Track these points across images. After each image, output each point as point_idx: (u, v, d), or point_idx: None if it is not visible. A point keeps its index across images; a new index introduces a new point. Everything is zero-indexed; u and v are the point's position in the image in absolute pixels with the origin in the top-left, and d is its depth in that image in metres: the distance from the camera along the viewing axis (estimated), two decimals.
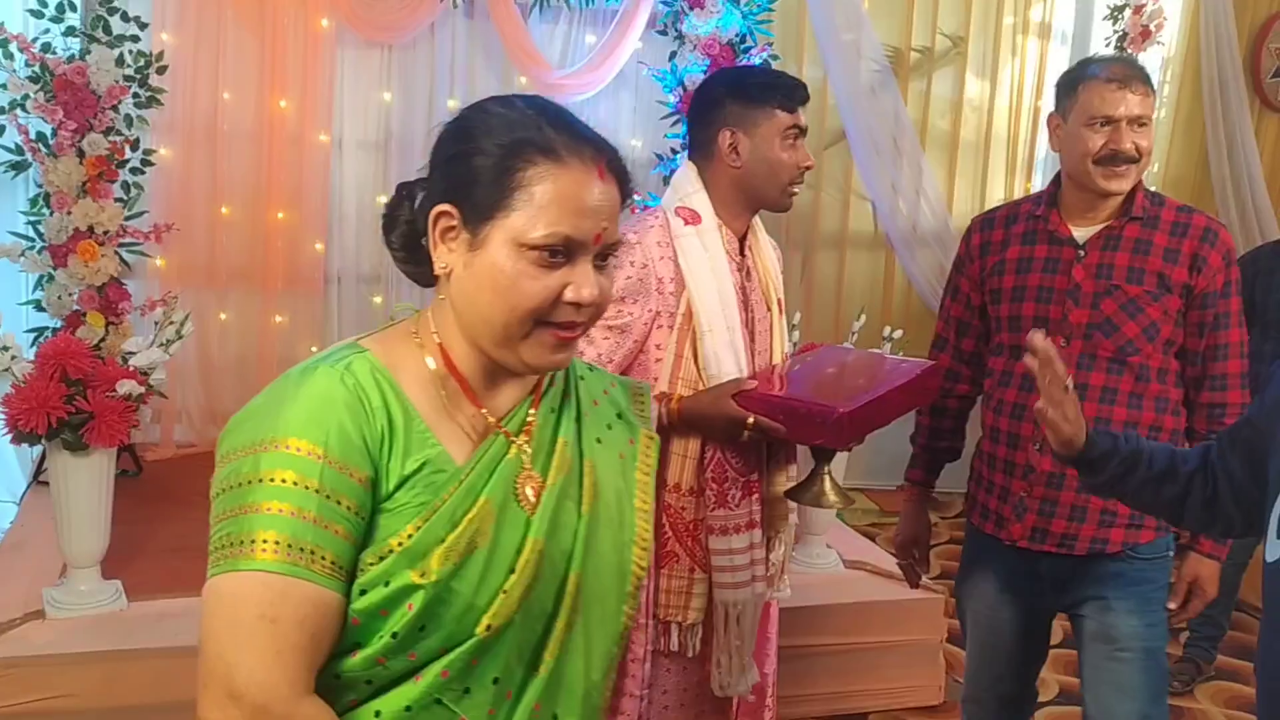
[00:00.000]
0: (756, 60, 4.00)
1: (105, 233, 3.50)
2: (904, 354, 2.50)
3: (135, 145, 3.61)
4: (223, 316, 4.27)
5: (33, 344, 3.40)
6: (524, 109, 0.98)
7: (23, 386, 2.46)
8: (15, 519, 3.38)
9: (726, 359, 1.79)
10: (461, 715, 0.97)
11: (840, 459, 1.94)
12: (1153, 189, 1.96)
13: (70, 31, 3.49)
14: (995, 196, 4.97)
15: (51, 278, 3.51)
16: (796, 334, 3.18)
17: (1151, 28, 4.42)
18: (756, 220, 1.93)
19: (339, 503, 0.91)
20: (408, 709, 0.95)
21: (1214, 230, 1.88)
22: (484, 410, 1.02)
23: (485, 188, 0.95)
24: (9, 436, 2.49)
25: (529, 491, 1.01)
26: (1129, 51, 4.36)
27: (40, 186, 3.54)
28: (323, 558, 0.90)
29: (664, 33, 4.22)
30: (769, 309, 1.93)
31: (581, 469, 1.06)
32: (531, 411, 1.05)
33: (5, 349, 2.50)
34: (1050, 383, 1.46)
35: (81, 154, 3.43)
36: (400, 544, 0.93)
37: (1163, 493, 1.50)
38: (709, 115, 1.85)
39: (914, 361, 1.90)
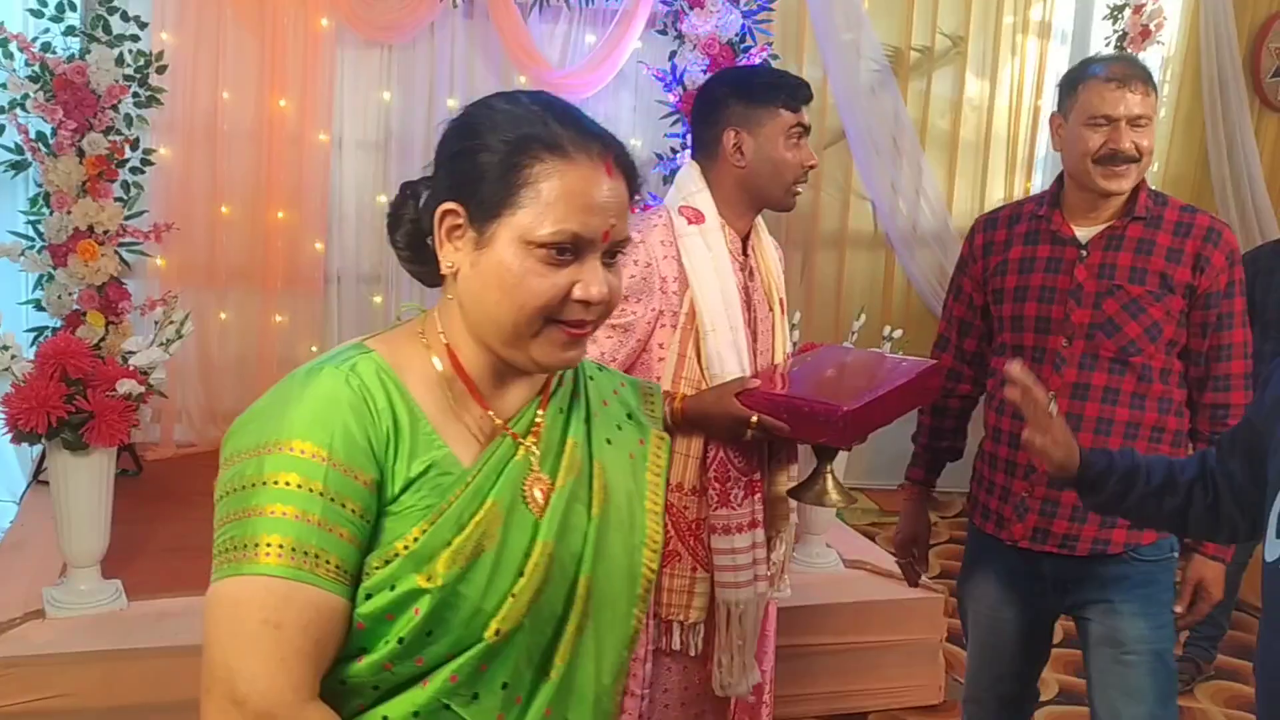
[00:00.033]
0: (756, 60, 4.00)
1: (105, 232, 3.50)
2: (904, 353, 2.50)
3: (135, 145, 3.61)
4: (223, 316, 4.27)
5: (33, 343, 3.40)
6: (529, 105, 0.97)
7: (23, 386, 2.46)
8: (15, 518, 3.38)
9: (729, 358, 1.79)
10: None
11: (840, 458, 1.95)
12: (1153, 189, 1.96)
13: (70, 31, 3.49)
14: (995, 196, 4.97)
15: (51, 277, 3.51)
16: (796, 334, 3.18)
17: (1151, 27, 4.43)
18: (759, 220, 1.94)
19: (344, 505, 0.90)
20: (415, 714, 0.94)
21: (1218, 230, 1.87)
22: (491, 412, 1.00)
23: (491, 185, 0.94)
24: (9, 436, 2.49)
25: (537, 493, 1.00)
26: (1129, 51, 4.36)
27: (40, 186, 3.54)
28: (327, 562, 0.88)
29: (664, 32, 4.22)
30: (771, 309, 1.94)
31: (591, 470, 1.05)
32: (539, 412, 1.04)
33: (5, 348, 2.50)
34: (1034, 410, 1.46)
35: (81, 153, 3.43)
36: (406, 547, 0.91)
37: (1164, 505, 1.49)
38: (713, 115, 1.85)
39: (915, 361, 1.90)
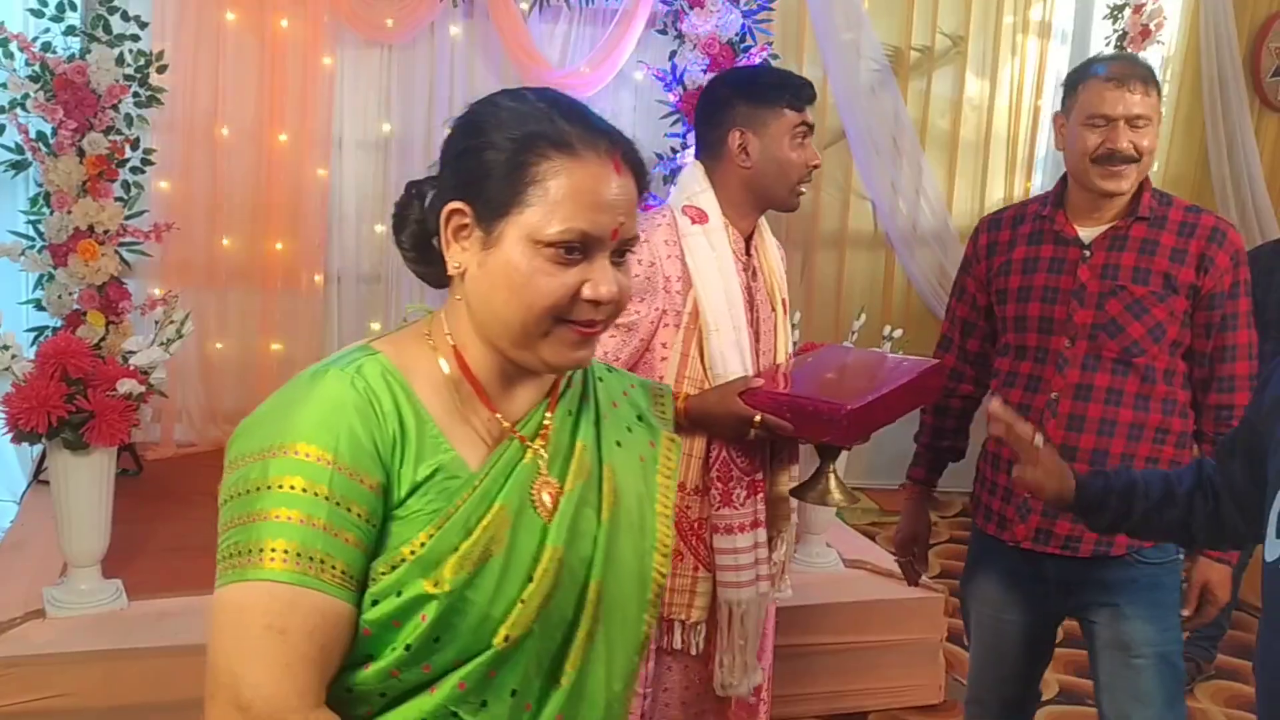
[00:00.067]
0: (756, 60, 4.00)
1: (105, 232, 3.50)
2: (904, 353, 2.50)
3: (135, 144, 3.61)
4: (223, 316, 4.27)
5: (33, 343, 3.40)
6: (535, 102, 0.95)
7: (23, 386, 2.46)
8: (15, 518, 3.38)
9: (732, 358, 1.80)
10: None
11: (841, 458, 1.95)
12: (1158, 189, 1.95)
13: (70, 31, 3.49)
14: (995, 196, 4.98)
15: (52, 277, 3.51)
16: (796, 333, 3.18)
17: (1151, 27, 4.43)
18: (762, 220, 1.94)
19: (349, 510, 0.88)
20: None
21: (1222, 230, 1.86)
22: (498, 414, 0.99)
23: (498, 183, 0.92)
24: (9, 436, 2.49)
25: (545, 498, 0.98)
26: (1129, 50, 4.36)
27: (40, 186, 3.54)
28: (333, 567, 0.87)
29: (664, 32, 4.23)
30: (774, 309, 1.94)
31: (601, 474, 1.03)
32: (547, 415, 1.02)
33: (5, 348, 2.50)
34: (1020, 445, 1.46)
35: (82, 153, 3.43)
36: (413, 552, 0.90)
37: (1166, 519, 1.49)
38: (717, 116, 1.85)
39: (917, 360, 1.90)
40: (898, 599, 3.02)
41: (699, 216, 1.83)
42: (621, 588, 1.02)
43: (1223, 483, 1.44)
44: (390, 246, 4.38)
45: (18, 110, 3.40)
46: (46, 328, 3.56)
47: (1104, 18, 4.61)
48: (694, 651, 1.86)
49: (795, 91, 1.84)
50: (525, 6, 4.28)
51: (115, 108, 3.49)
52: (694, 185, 1.86)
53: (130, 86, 3.52)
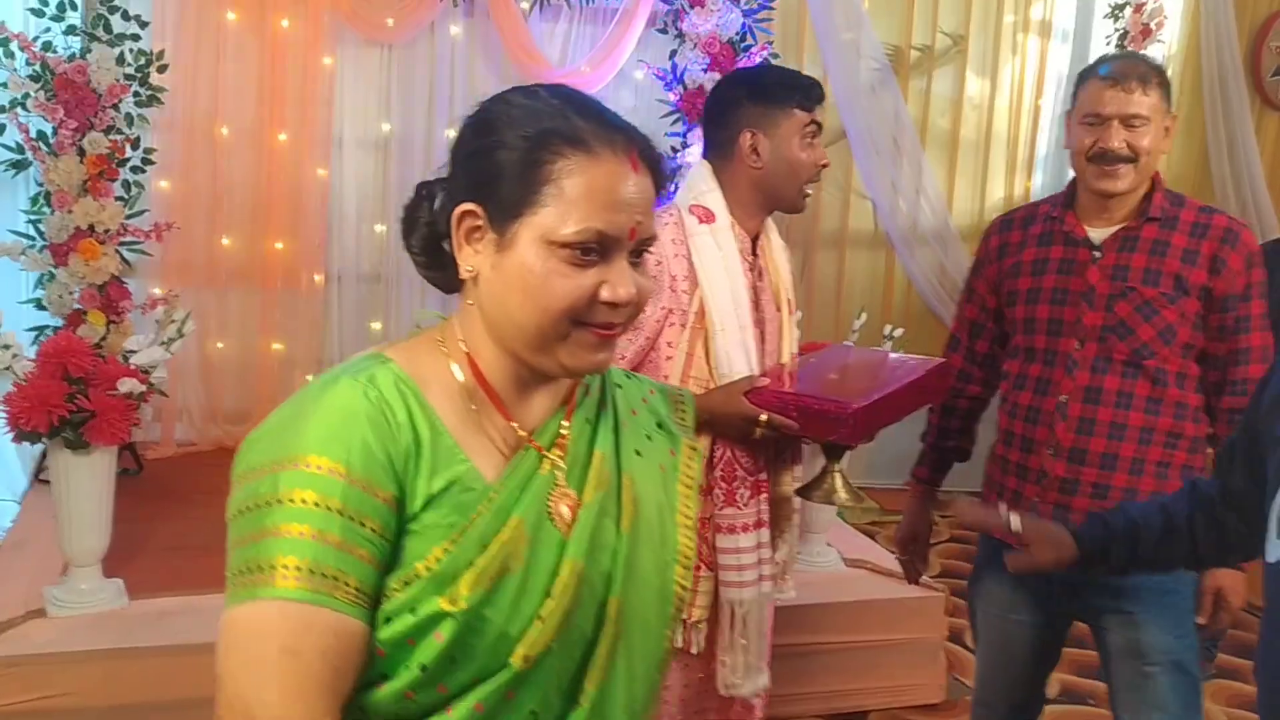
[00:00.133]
0: (757, 59, 4.00)
1: (106, 231, 3.50)
2: (904, 352, 2.50)
3: (136, 144, 3.61)
4: (223, 315, 4.27)
5: (34, 342, 3.40)
6: (548, 98, 0.92)
7: (24, 385, 2.46)
8: (16, 517, 3.38)
9: (738, 358, 1.80)
10: None
11: (845, 457, 1.94)
12: (1170, 190, 1.92)
13: (71, 30, 3.49)
14: (995, 195, 4.98)
15: (52, 276, 3.51)
16: (797, 333, 3.18)
17: (1152, 26, 4.43)
18: (769, 221, 1.94)
19: (363, 524, 0.85)
20: None
21: (1235, 231, 1.83)
22: (514, 423, 0.95)
23: (511, 183, 0.89)
24: (10, 435, 2.49)
25: (564, 510, 0.95)
26: (1130, 49, 4.36)
27: (41, 185, 3.54)
28: (346, 584, 0.83)
29: (664, 31, 4.23)
30: (779, 309, 1.94)
31: (620, 484, 0.99)
32: (564, 423, 0.98)
33: (6, 347, 2.50)
34: (1002, 535, 1.44)
35: (82, 153, 3.43)
36: (427, 568, 0.87)
37: (1174, 550, 1.47)
38: (727, 116, 1.85)
39: (923, 359, 1.90)
40: (898, 598, 3.02)
41: (706, 216, 1.83)
42: (642, 602, 0.98)
43: (1221, 494, 1.42)
44: (391, 246, 4.39)
45: (18, 110, 3.40)
46: (47, 327, 3.56)
47: (1105, 17, 4.61)
48: (694, 650, 1.86)
49: (805, 91, 1.84)
50: (525, 6, 4.28)
51: (116, 107, 3.49)
52: (701, 185, 1.86)
53: (131, 86, 3.52)
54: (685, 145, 4.10)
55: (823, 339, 2.98)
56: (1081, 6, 4.89)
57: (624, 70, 4.34)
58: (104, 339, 3.46)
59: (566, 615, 0.92)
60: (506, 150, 0.90)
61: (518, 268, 0.89)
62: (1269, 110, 5.04)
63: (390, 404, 0.89)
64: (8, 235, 3.51)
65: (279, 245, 4.25)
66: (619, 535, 0.98)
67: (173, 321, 2.79)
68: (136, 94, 3.56)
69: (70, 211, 3.44)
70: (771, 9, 4.15)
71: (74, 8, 3.48)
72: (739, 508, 1.83)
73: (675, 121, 4.15)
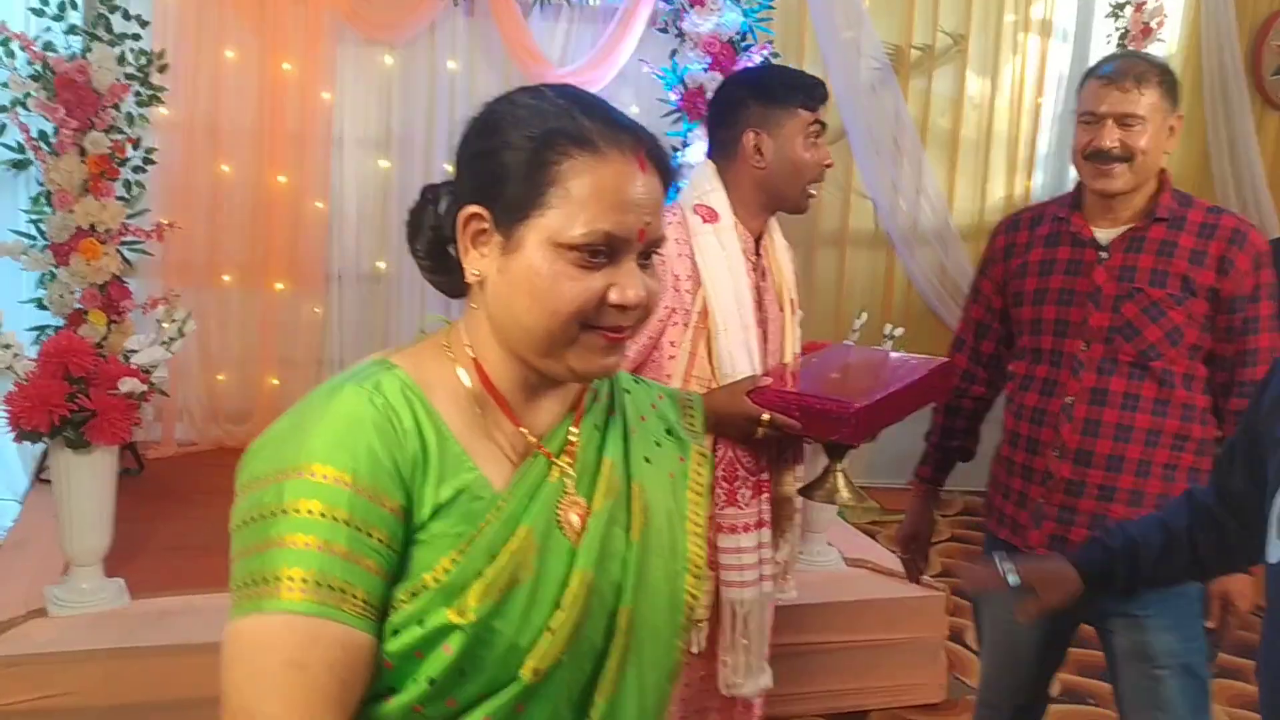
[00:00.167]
0: (757, 58, 4.00)
1: (107, 231, 3.51)
2: (905, 351, 2.50)
3: (137, 144, 3.61)
4: (224, 315, 4.27)
5: (35, 342, 3.40)
6: (554, 98, 0.90)
7: (25, 384, 2.46)
8: (17, 517, 3.39)
9: (740, 358, 1.80)
10: None
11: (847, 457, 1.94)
12: (1179, 190, 1.90)
13: (72, 30, 3.48)
14: (996, 195, 4.98)
15: (53, 276, 3.51)
16: (799, 332, 3.18)
17: (1153, 25, 4.43)
18: (773, 221, 1.94)
19: (370, 535, 0.83)
20: None
21: (1243, 232, 1.81)
22: (523, 428, 0.94)
23: (517, 185, 0.87)
24: (11, 434, 2.49)
25: (573, 518, 0.93)
26: (1130, 49, 4.36)
27: (42, 185, 3.54)
28: (353, 596, 0.82)
29: (664, 30, 4.23)
30: (781, 309, 1.94)
31: (630, 492, 0.98)
32: (573, 430, 0.97)
33: (7, 347, 2.50)
34: (1006, 589, 1.44)
35: (83, 152, 3.43)
36: (436, 579, 0.85)
37: (1176, 562, 1.46)
38: (731, 116, 1.85)
39: (925, 359, 1.89)
40: (899, 598, 3.02)
41: (710, 215, 1.83)
42: (653, 612, 0.96)
43: (1218, 499, 1.41)
44: (392, 244, 4.39)
45: (19, 109, 3.40)
46: (48, 327, 3.56)
47: (1105, 16, 4.61)
48: (695, 650, 1.86)
49: (809, 91, 1.84)
50: (526, 5, 4.28)
51: (116, 107, 3.49)
52: (705, 184, 1.86)
53: (131, 85, 3.52)
54: (686, 145, 4.10)
55: (823, 338, 2.98)
56: (1082, 6, 4.88)
57: (624, 70, 4.34)
58: (105, 339, 3.46)
59: (576, 626, 0.90)
60: (512, 151, 0.88)
61: (525, 271, 0.87)
62: (1270, 109, 5.04)
63: (397, 411, 0.87)
64: (9, 235, 3.51)
65: (280, 244, 4.25)
66: (629, 544, 0.96)
67: (173, 321, 2.79)
68: (137, 93, 3.55)
69: (71, 211, 3.44)
70: (772, 8, 4.15)
71: (75, 7, 3.48)
72: (740, 507, 1.83)
73: (676, 121, 4.14)
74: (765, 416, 1.73)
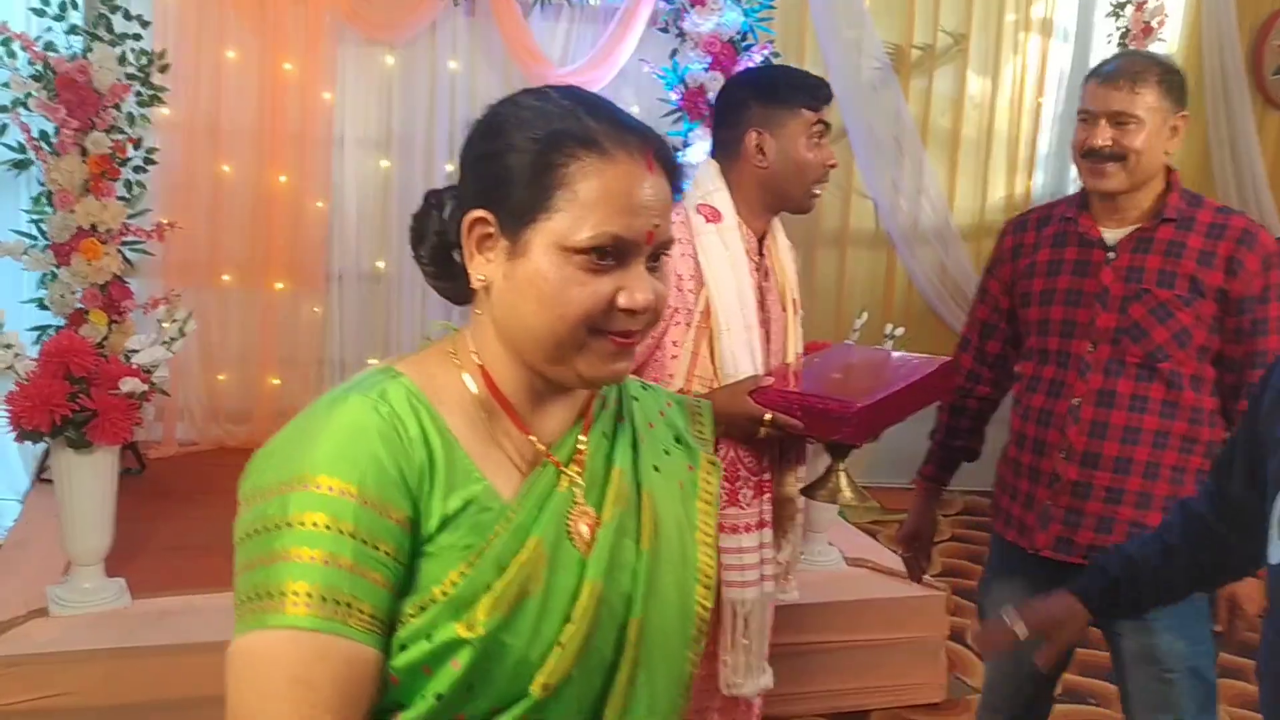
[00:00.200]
0: (758, 58, 4.00)
1: (108, 231, 3.51)
2: (906, 350, 2.49)
3: (138, 144, 3.61)
4: (224, 315, 4.27)
5: (36, 342, 3.40)
6: (559, 99, 0.89)
7: (26, 384, 2.46)
8: (19, 517, 3.39)
9: (743, 358, 1.80)
10: None
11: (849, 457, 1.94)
12: (1188, 190, 1.89)
13: (72, 30, 3.49)
14: (996, 194, 4.98)
15: (54, 276, 3.52)
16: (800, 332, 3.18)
17: (1153, 24, 4.42)
18: (776, 221, 1.94)
19: (376, 547, 0.81)
20: None
21: (1253, 233, 1.80)
22: (531, 436, 0.92)
23: (522, 188, 0.86)
24: (13, 434, 2.49)
25: (583, 528, 0.91)
26: (1131, 48, 4.36)
27: (43, 185, 3.54)
28: (360, 610, 0.80)
29: (665, 30, 4.23)
30: (784, 309, 1.94)
31: (639, 501, 0.96)
32: (581, 438, 0.95)
33: (8, 347, 2.50)
34: (1017, 642, 1.43)
35: (84, 152, 3.44)
36: (444, 592, 0.83)
37: (1177, 579, 1.46)
38: (734, 116, 1.85)
39: (927, 358, 1.89)
40: (900, 597, 3.02)
41: (713, 215, 1.83)
42: (663, 624, 0.95)
43: (1214, 505, 1.40)
44: (392, 244, 4.39)
45: (20, 109, 3.40)
46: (49, 327, 3.57)
47: (1106, 15, 4.61)
48: None
49: (812, 91, 1.84)
50: (527, 5, 4.28)
51: (117, 107, 3.49)
52: (709, 184, 1.86)
53: (132, 85, 3.52)
54: (687, 144, 4.10)
55: (824, 338, 2.98)
56: (1083, 5, 4.88)
57: (625, 69, 4.34)
58: (106, 338, 3.46)
59: (586, 640, 0.88)
60: (516, 153, 0.87)
61: (531, 275, 0.86)
62: (1271, 109, 5.03)
63: (403, 420, 0.86)
64: (10, 235, 3.51)
65: (281, 244, 4.25)
66: (639, 554, 0.94)
67: (174, 321, 2.79)
68: (138, 93, 3.56)
69: (72, 211, 3.44)
70: (772, 8, 4.15)
71: (75, 7, 3.48)
72: (742, 507, 1.83)
73: (677, 121, 4.14)
74: (767, 416, 1.73)
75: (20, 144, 3.49)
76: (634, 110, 4.47)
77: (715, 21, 4.02)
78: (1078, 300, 1.85)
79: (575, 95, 0.90)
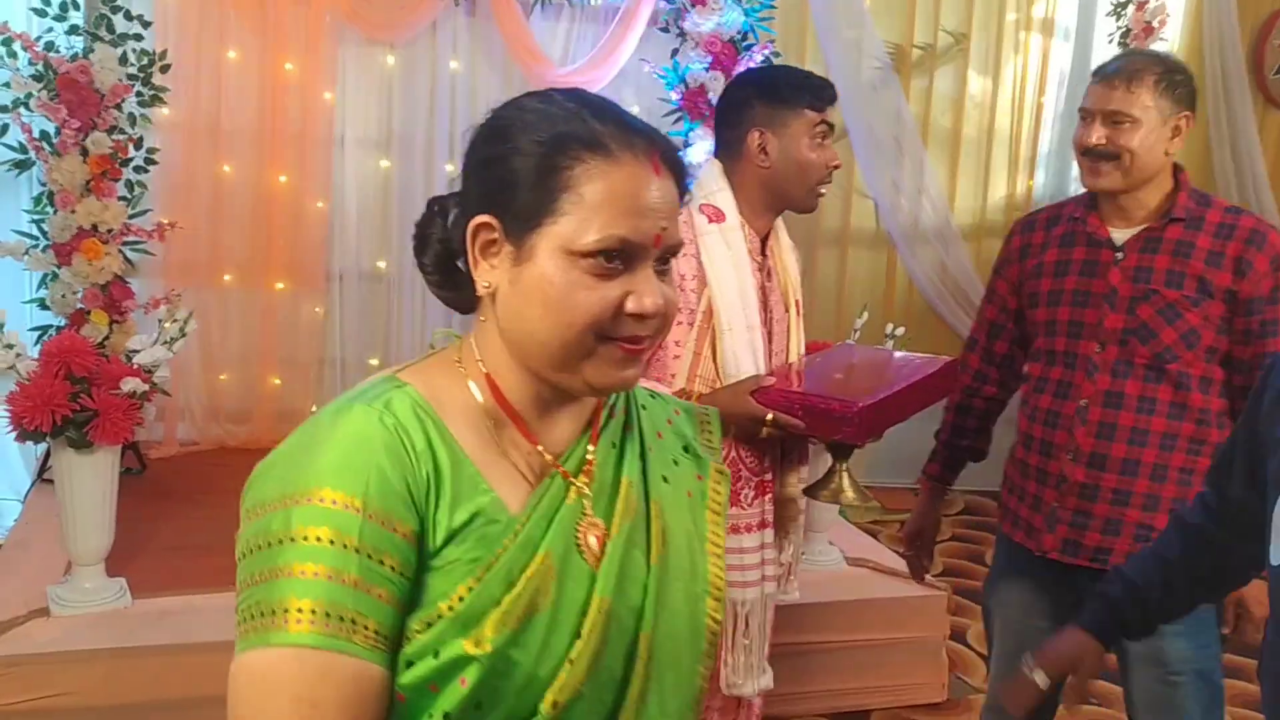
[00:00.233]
0: (758, 58, 4.00)
1: (109, 231, 3.51)
2: (907, 350, 2.49)
3: (139, 144, 3.62)
4: (225, 315, 4.28)
5: (37, 342, 3.41)
6: (563, 101, 0.87)
7: (27, 384, 2.46)
8: (20, 517, 3.39)
9: (745, 358, 1.80)
10: None
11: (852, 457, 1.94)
12: (1197, 190, 1.88)
13: (73, 30, 3.49)
14: (997, 194, 4.98)
15: (55, 276, 3.52)
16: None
17: (1154, 24, 4.42)
18: (779, 221, 1.94)
19: (381, 562, 0.80)
20: None
21: (1262, 233, 1.78)
22: (540, 446, 0.90)
23: (527, 192, 0.84)
24: (14, 434, 2.49)
25: (592, 540, 0.89)
26: (1132, 47, 4.36)
27: (44, 185, 3.55)
28: (365, 627, 0.78)
29: (666, 30, 4.23)
30: (787, 309, 1.94)
31: (649, 513, 0.94)
32: (590, 448, 0.93)
33: (10, 347, 2.50)
34: (1041, 694, 1.42)
35: (85, 152, 3.44)
36: (451, 608, 0.81)
37: (1180, 595, 1.45)
38: (737, 115, 1.85)
39: (929, 358, 1.89)
40: (900, 597, 3.02)
41: (716, 215, 1.83)
42: (674, 638, 0.93)
43: (1212, 511, 1.39)
44: (393, 243, 4.39)
45: (21, 109, 3.40)
46: (50, 327, 3.57)
47: (1107, 15, 4.61)
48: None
49: (816, 92, 1.83)
50: (528, 4, 4.28)
51: (119, 107, 3.50)
52: (712, 184, 1.86)
53: (133, 86, 3.52)
54: (687, 144, 4.10)
55: (824, 338, 2.99)
56: (1084, 4, 4.88)
57: (626, 69, 4.34)
58: (107, 338, 3.47)
59: (596, 655, 0.87)
60: (521, 157, 0.85)
61: (537, 281, 0.84)
62: (1272, 108, 5.03)
63: (408, 431, 0.84)
64: (11, 235, 3.52)
65: (281, 244, 4.25)
66: (648, 567, 0.92)
67: (175, 321, 2.79)
68: (139, 94, 3.56)
69: (73, 211, 3.45)
70: (773, 7, 4.15)
71: (76, 8, 3.48)
72: (743, 508, 1.83)
73: (677, 120, 4.15)
74: (769, 416, 1.73)
75: (21, 144, 3.49)
76: (634, 110, 4.46)
77: (716, 21, 4.02)
78: (1085, 301, 1.84)
79: (580, 97, 0.89)
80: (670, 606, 0.93)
